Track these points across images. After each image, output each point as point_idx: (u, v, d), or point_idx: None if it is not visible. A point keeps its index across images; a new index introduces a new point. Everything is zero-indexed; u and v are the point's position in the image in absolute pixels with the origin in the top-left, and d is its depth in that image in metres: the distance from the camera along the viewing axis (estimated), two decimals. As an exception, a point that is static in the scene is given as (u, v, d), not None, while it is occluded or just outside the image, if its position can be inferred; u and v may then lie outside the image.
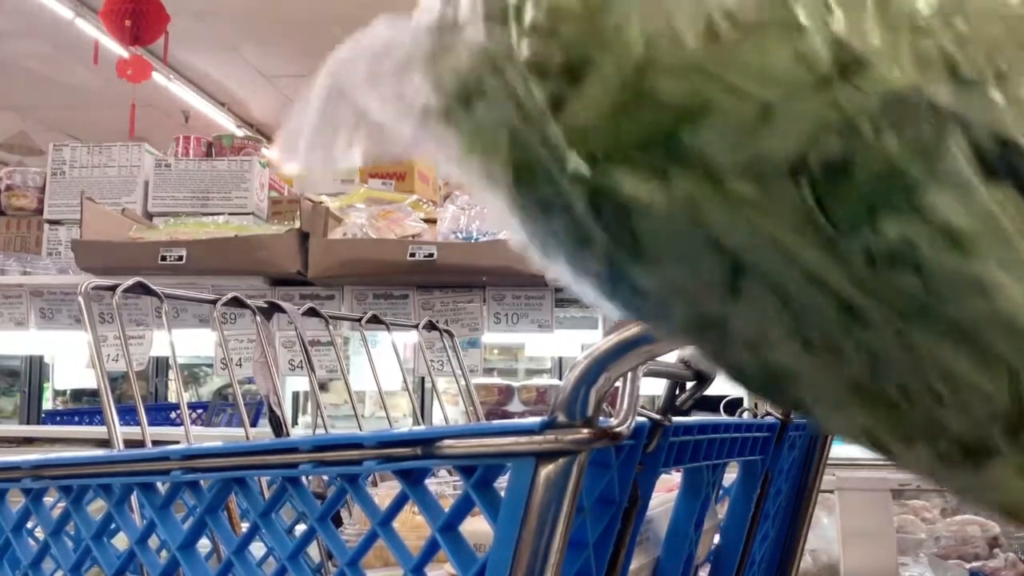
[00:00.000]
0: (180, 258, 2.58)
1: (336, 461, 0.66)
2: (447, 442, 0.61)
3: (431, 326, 1.46)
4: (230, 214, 3.00)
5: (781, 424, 0.96)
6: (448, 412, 2.93)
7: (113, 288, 0.87)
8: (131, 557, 0.80)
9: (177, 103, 8.91)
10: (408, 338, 2.68)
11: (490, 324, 2.66)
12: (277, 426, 1.08)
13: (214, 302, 1.05)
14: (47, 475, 0.83)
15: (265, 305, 1.16)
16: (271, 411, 1.07)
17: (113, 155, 3.22)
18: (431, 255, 2.48)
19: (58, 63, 8.14)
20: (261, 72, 8.70)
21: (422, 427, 0.63)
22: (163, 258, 2.59)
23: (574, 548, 0.67)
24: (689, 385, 0.77)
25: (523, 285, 2.61)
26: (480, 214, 2.65)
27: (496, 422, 0.60)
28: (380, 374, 1.42)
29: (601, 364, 0.56)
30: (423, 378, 3.94)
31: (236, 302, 1.11)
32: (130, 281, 0.88)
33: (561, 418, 0.57)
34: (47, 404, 4.81)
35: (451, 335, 1.51)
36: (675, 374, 0.75)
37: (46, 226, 3.21)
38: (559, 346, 3.90)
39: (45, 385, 4.66)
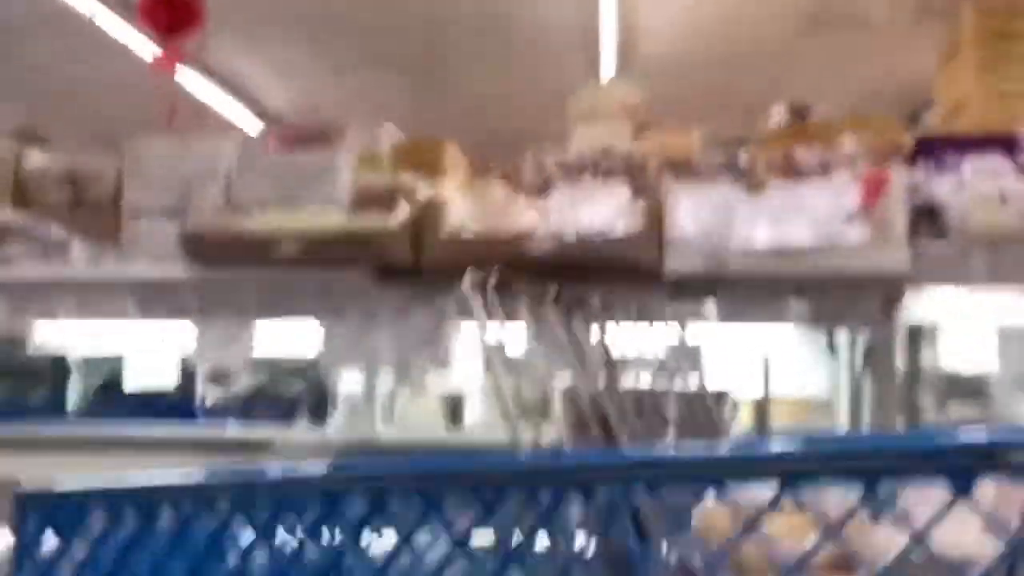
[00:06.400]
0: (289, 250, 2.52)
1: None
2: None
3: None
4: (320, 204, 2.91)
5: None
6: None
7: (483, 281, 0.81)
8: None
9: (195, 97, 8.80)
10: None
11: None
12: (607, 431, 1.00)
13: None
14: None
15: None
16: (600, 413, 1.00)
17: (193, 146, 3.14)
18: (553, 249, 2.42)
19: (83, 58, 8.04)
20: (278, 67, 8.62)
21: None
22: (271, 250, 2.52)
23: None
24: None
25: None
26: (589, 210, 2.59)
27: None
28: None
29: None
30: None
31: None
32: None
33: None
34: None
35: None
36: None
37: (127, 219, 3.12)
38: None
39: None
